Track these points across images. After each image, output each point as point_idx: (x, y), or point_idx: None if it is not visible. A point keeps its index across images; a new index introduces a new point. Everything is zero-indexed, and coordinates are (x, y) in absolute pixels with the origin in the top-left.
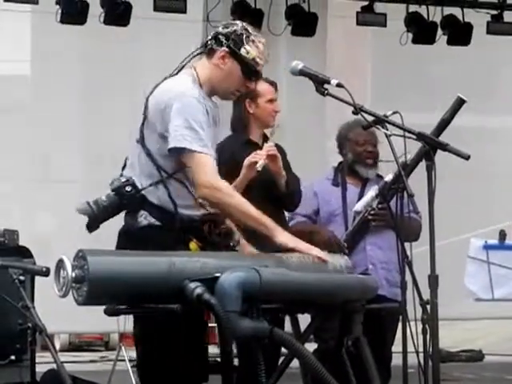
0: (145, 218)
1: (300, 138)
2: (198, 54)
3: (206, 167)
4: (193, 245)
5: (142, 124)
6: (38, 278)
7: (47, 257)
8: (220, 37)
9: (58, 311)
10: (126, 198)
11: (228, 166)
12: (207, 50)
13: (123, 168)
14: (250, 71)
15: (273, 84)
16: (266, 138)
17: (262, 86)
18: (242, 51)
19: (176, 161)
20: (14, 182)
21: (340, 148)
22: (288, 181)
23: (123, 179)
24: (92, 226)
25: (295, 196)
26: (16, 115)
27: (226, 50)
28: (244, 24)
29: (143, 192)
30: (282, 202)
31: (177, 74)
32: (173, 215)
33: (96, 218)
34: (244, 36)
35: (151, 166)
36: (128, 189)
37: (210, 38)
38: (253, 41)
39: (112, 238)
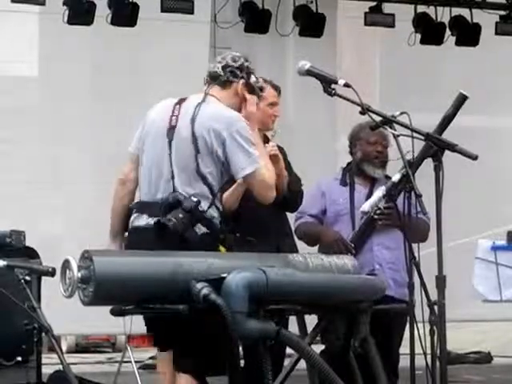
0: (202, 228)
1: (309, 139)
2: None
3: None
4: (222, 249)
5: (196, 154)
6: (45, 281)
7: (54, 258)
8: (235, 70)
9: (64, 313)
10: (197, 216)
11: None
12: (221, 82)
13: (172, 178)
14: (256, 94)
15: (276, 88)
16: (266, 140)
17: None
18: (253, 80)
19: (221, 180)
20: (20, 182)
21: (350, 147)
22: (290, 181)
23: (195, 199)
24: (170, 238)
25: (297, 197)
26: (24, 116)
27: (243, 81)
28: (244, 55)
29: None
30: (284, 202)
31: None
32: (220, 228)
33: (176, 232)
34: (249, 66)
35: (205, 188)
36: (200, 209)
37: (219, 69)
38: (252, 70)
39: None
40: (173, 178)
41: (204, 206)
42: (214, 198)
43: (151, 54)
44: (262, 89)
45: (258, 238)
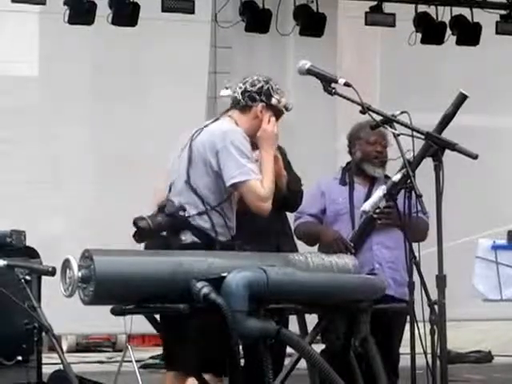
0: (189, 237)
1: (309, 139)
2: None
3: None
4: None
5: (188, 166)
6: (45, 280)
7: (54, 257)
8: (253, 95)
9: (65, 312)
10: (178, 221)
11: None
12: (241, 107)
13: (169, 190)
14: (281, 113)
15: None
16: None
17: None
18: (274, 101)
19: (221, 194)
20: (20, 182)
21: (350, 147)
22: (289, 181)
23: (177, 204)
24: (143, 239)
25: (297, 196)
26: (24, 116)
27: (263, 104)
28: (264, 77)
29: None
30: (284, 202)
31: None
32: (213, 240)
33: (149, 232)
34: (269, 88)
35: (196, 198)
36: (181, 214)
37: (238, 95)
38: (276, 89)
39: (118, 240)
40: (171, 188)
41: (190, 211)
42: (207, 209)
43: (152, 53)
44: (287, 108)
45: (258, 238)
